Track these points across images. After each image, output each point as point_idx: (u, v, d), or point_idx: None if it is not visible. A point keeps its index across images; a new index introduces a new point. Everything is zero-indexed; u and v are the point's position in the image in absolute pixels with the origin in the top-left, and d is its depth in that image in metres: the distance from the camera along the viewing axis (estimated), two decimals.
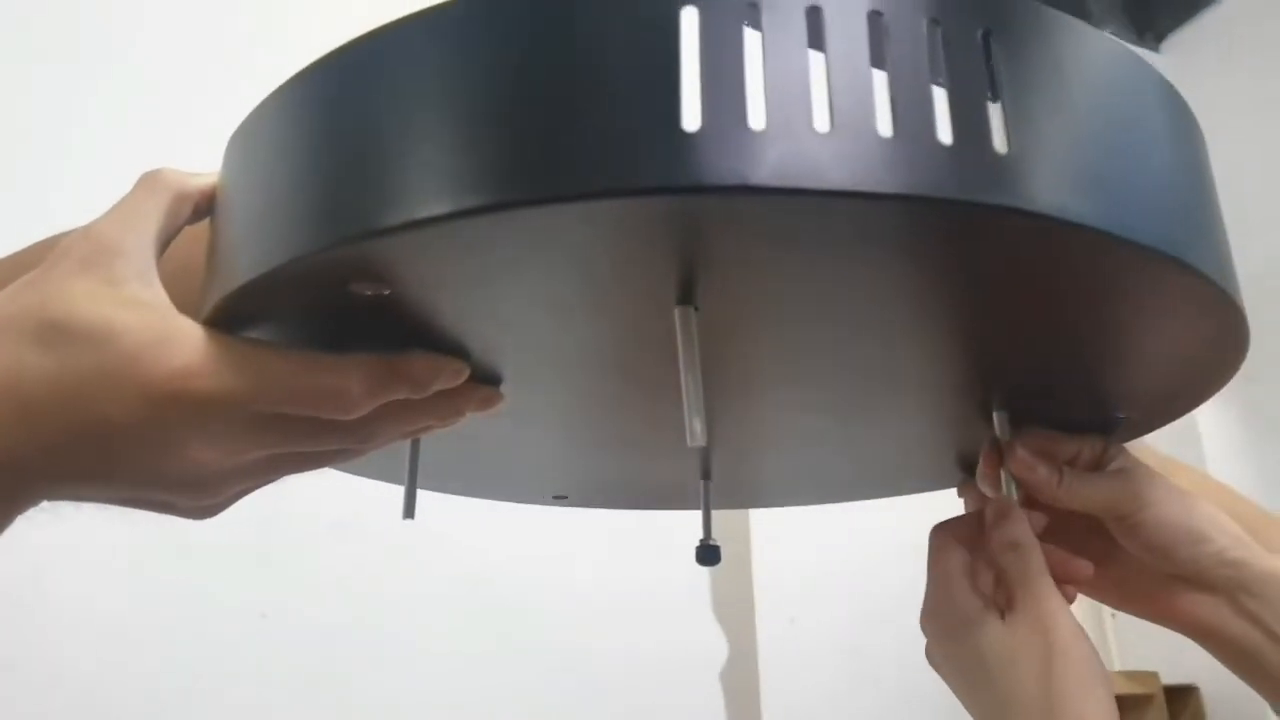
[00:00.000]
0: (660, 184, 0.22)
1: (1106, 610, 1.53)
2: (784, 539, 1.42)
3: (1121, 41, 0.28)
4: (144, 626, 1.01)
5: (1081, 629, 0.37)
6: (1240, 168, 1.79)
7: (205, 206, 0.33)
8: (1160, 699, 1.51)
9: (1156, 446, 0.48)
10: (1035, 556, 0.38)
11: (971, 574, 0.40)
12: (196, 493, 0.31)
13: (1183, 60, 2.01)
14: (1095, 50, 0.26)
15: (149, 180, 0.32)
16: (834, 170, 0.22)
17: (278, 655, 1.08)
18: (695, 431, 0.28)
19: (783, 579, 1.44)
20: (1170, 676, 1.52)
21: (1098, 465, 0.42)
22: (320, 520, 1.10)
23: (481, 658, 1.19)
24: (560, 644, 1.23)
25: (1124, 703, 1.55)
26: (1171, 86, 0.29)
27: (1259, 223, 1.75)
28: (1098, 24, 2.03)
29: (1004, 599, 0.38)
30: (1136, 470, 0.41)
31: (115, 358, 0.28)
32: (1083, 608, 0.45)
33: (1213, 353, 0.33)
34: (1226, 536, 0.40)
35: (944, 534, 0.42)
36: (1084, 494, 0.40)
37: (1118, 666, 1.59)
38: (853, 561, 1.45)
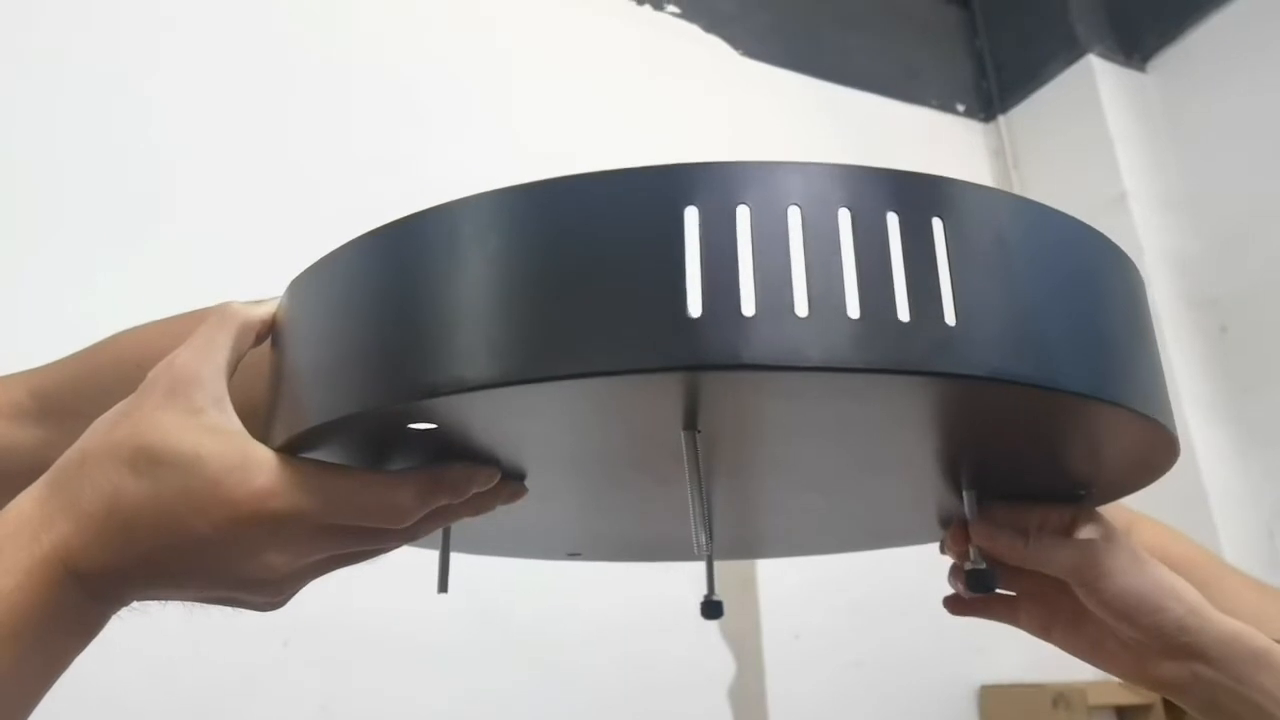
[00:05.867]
0: (669, 364, 0.26)
1: None
2: (788, 560, 1.46)
3: (1067, 214, 0.32)
4: (167, 653, 1.04)
5: None
6: (1227, 185, 1.83)
7: (265, 332, 0.37)
8: (1159, 706, 1.56)
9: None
10: None
11: None
12: (267, 590, 0.35)
13: (1169, 80, 2.03)
14: (1033, 221, 0.30)
15: (219, 313, 0.37)
16: (812, 350, 0.26)
17: (298, 683, 1.12)
18: (701, 544, 0.32)
19: (787, 597, 1.48)
20: None
21: (1069, 529, 0.44)
22: None
23: (499, 679, 1.23)
24: (575, 662, 1.28)
25: (1125, 712, 1.59)
26: (1107, 239, 0.33)
27: (1245, 239, 1.78)
28: (1084, 45, 2.06)
29: None
30: (1100, 540, 0.43)
31: (202, 481, 0.32)
32: None
33: (1149, 454, 0.37)
34: (1183, 605, 0.42)
35: None
36: (1048, 558, 0.43)
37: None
38: (854, 579, 1.49)
